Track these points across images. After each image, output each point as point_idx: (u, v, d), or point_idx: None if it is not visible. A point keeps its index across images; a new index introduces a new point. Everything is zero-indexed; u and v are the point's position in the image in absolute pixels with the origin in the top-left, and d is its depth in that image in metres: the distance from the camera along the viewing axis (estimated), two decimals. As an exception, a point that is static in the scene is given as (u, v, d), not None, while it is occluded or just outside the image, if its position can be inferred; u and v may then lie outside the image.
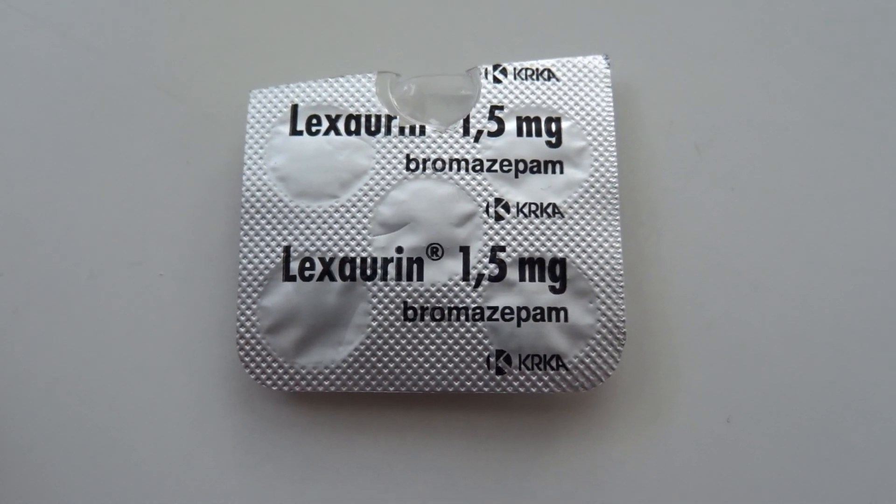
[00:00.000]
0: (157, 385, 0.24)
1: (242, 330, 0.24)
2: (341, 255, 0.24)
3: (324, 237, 0.24)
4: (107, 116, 0.26)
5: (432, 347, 0.23)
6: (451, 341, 0.23)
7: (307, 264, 0.24)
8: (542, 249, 0.24)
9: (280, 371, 0.23)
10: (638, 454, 0.24)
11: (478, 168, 0.24)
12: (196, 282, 0.25)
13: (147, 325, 0.25)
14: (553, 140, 0.25)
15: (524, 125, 0.25)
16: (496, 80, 0.25)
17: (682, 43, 0.27)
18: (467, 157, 0.24)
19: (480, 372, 0.23)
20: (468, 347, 0.23)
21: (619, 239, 0.24)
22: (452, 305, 0.23)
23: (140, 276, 0.25)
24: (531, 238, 0.24)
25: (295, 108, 0.25)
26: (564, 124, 0.25)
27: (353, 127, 0.25)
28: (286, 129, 0.25)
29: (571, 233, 0.24)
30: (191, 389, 0.24)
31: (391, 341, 0.23)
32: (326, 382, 0.23)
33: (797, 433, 0.24)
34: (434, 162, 0.24)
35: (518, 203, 0.24)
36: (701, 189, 0.26)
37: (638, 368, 0.24)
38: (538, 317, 0.23)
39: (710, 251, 0.25)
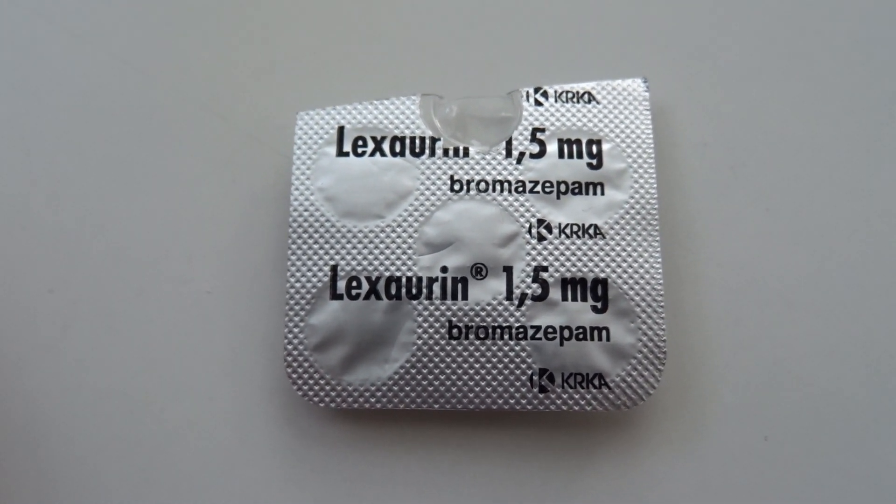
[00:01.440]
0: (203, 401, 0.25)
1: (290, 347, 0.24)
2: (387, 274, 0.24)
3: (370, 256, 0.24)
4: (156, 137, 0.27)
5: (476, 366, 0.24)
6: (494, 360, 0.24)
7: (354, 283, 0.24)
8: (584, 270, 0.24)
9: (327, 388, 0.24)
10: (677, 472, 0.24)
11: (520, 189, 0.25)
12: (243, 299, 0.26)
13: (194, 341, 0.25)
14: (594, 162, 0.25)
15: (565, 147, 0.25)
16: (537, 103, 0.26)
17: (716, 66, 0.27)
18: (510, 178, 0.25)
19: (524, 390, 0.24)
20: (511, 366, 0.24)
21: (659, 259, 0.24)
22: (496, 324, 0.24)
23: (188, 293, 0.26)
24: (573, 258, 0.24)
25: (341, 129, 0.26)
26: (605, 146, 0.25)
27: (398, 148, 0.25)
28: (333, 150, 0.25)
29: (612, 253, 0.24)
30: (237, 406, 0.25)
31: (436, 359, 0.24)
32: (372, 399, 0.24)
33: (834, 451, 0.24)
34: (478, 183, 0.25)
35: (560, 224, 0.24)
36: (736, 210, 0.26)
37: (677, 387, 0.25)
38: (580, 336, 0.24)
39: (745, 271, 0.26)
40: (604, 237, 0.24)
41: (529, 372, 0.24)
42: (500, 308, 0.24)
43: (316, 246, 0.25)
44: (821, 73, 0.27)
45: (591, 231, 0.25)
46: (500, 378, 0.24)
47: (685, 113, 0.27)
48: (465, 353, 0.24)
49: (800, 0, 0.28)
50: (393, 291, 0.24)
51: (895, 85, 0.27)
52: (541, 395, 0.24)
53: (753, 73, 0.27)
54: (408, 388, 0.24)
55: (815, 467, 0.24)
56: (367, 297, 0.24)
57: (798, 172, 0.26)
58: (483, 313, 0.24)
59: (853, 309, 0.25)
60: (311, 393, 0.24)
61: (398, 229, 0.25)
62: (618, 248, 0.24)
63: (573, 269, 0.24)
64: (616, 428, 0.25)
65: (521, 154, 0.25)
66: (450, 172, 0.25)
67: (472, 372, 0.24)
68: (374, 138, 0.25)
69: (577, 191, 0.25)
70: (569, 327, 0.24)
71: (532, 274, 0.24)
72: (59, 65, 0.28)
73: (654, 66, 0.27)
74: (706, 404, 0.25)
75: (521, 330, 0.24)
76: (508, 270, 0.24)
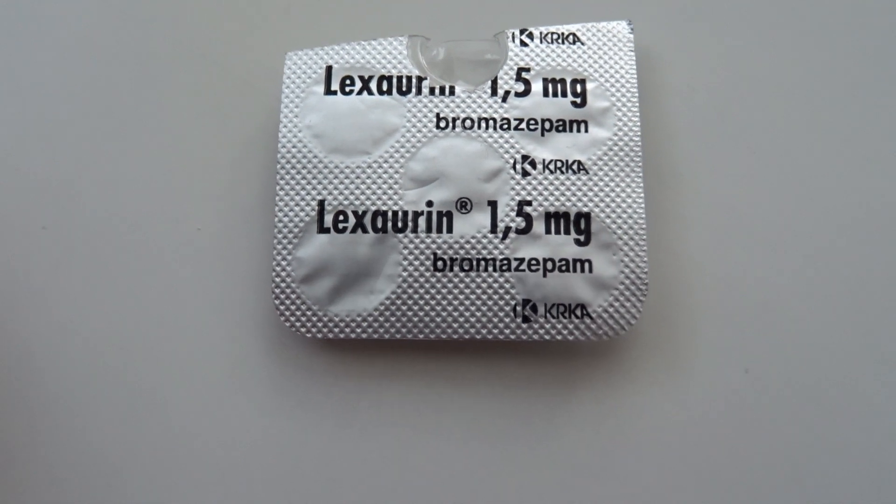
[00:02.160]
0: (194, 334, 0.25)
1: (278, 280, 0.25)
2: (373, 208, 0.25)
3: (357, 191, 0.25)
4: (149, 80, 0.27)
5: (461, 297, 0.24)
6: (478, 291, 0.24)
7: (341, 217, 0.25)
8: (568, 204, 0.25)
9: (314, 319, 0.24)
10: (659, 402, 0.24)
11: (505, 126, 0.25)
12: (233, 236, 0.26)
13: (185, 277, 0.26)
14: (578, 100, 0.25)
15: (550, 86, 0.26)
16: (523, 44, 0.26)
17: (701, 10, 0.28)
18: (495, 116, 0.25)
19: (507, 320, 0.24)
20: (495, 297, 0.24)
21: (642, 195, 0.25)
22: (480, 257, 0.24)
23: (179, 230, 0.26)
24: (557, 193, 0.25)
25: (329, 69, 0.26)
26: (589, 85, 0.26)
27: (385, 87, 0.26)
28: (321, 89, 0.26)
29: (596, 188, 0.25)
30: (228, 338, 0.25)
31: (421, 291, 0.24)
32: (358, 330, 0.24)
33: (813, 384, 0.24)
34: (463, 120, 0.25)
35: (544, 160, 0.25)
36: (721, 150, 0.26)
37: (660, 319, 0.25)
38: (563, 268, 0.24)
39: (729, 209, 0.26)
40: (587, 172, 0.25)
41: (513, 303, 0.24)
42: (485, 241, 0.24)
43: (304, 181, 0.25)
44: (805, 16, 0.28)
45: (574, 167, 0.25)
46: (484, 309, 0.24)
47: (670, 55, 0.27)
48: (450, 285, 0.24)
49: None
50: (379, 225, 0.24)
51: (881, 29, 0.27)
52: (524, 325, 0.24)
53: (739, 16, 0.28)
54: (393, 319, 0.24)
55: (794, 399, 0.24)
56: (353, 230, 0.24)
57: (782, 113, 0.27)
58: (468, 246, 0.24)
59: (834, 245, 0.25)
60: (298, 324, 0.24)
61: (384, 165, 0.25)
62: (601, 184, 0.25)
63: (556, 204, 0.25)
64: (598, 358, 0.25)
65: (507, 93, 0.26)
66: (436, 110, 0.25)
67: (456, 303, 0.24)
68: (361, 77, 0.26)
69: (561, 128, 0.25)
70: (552, 259, 0.24)
71: (516, 208, 0.24)
72: (54, 12, 0.28)
73: (641, 10, 0.27)
74: (688, 337, 0.25)
75: (505, 262, 0.24)
76: (493, 205, 0.25)
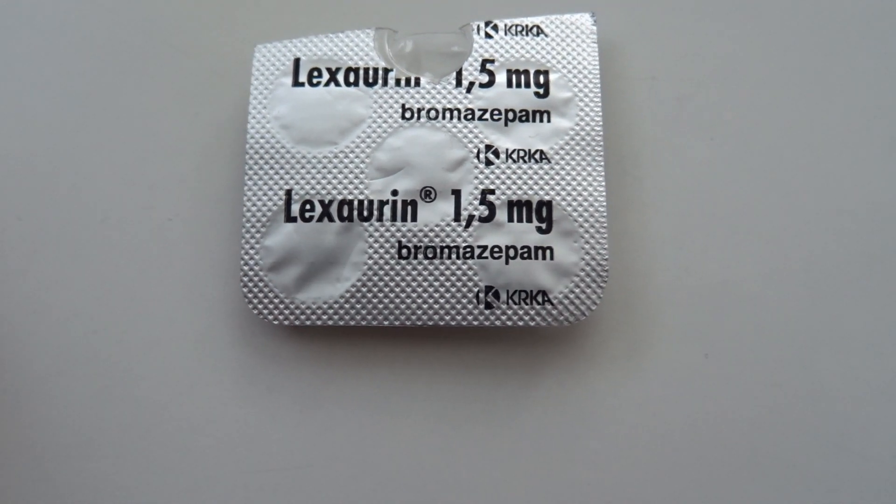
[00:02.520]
0: (164, 321, 0.26)
1: (246, 268, 0.25)
2: (340, 197, 0.25)
3: (323, 181, 0.25)
4: (119, 70, 0.28)
5: (425, 284, 0.25)
6: (442, 278, 0.25)
7: (307, 206, 0.25)
8: (530, 192, 0.25)
9: (281, 307, 0.25)
10: (620, 386, 0.25)
11: (469, 117, 0.26)
12: (202, 225, 0.27)
13: (156, 265, 0.26)
14: (541, 91, 0.26)
15: (514, 77, 0.26)
16: (488, 36, 0.27)
17: (663, 1, 0.28)
18: (459, 106, 0.26)
19: (470, 307, 0.24)
20: (459, 284, 0.24)
21: (603, 183, 0.25)
22: (444, 244, 0.25)
23: (150, 219, 0.27)
24: (519, 182, 0.25)
25: (297, 61, 0.26)
26: (552, 76, 0.26)
27: (351, 79, 0.26)
28: (289, 80, 0.26)
29: (557, 177, 0.25)
30: (197, 325, 0.26)
31: (386, 278, 0.25)
32: (325, 317, 0.25)
33: (771, 368, 0.25)
34: (428, 111, 0.26)
35: (507, 149, 0.25)
36: (682, 139, 0.27)
37: (621, 305, 0.26)
38: (525, 255, 0.25)
39: (690, 197, 0.26)
40: (549, 162, 0.25)
41: (476, 290, 0.24)
42: (448, 229, 0.25)
43: (272, 171, 0.25)
44: (763, 9, 0.28)
45: (536, 156, 0.25)
46: (448, 296, 0.24)
47: (634, 47, 0.28)
48: (414, 273, 0.25)
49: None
50: (345, 214, 0.25)
51: (834, 21, 0.28)
52: (486, 312, 0.24)
53: (699, 7, 0.28)
54: (359, 306, 0.25)
55: (753, 383, 0.25)
56: (319, 219, 0.25)
57: (741, 103, 0.27)
58: (432, 234, 0.25)
59: (792, 232, 0.26)
60: (265, 311, 0.25)
61: (350, 155, 0.25)
62: (562, 173, 0.25)
63: (519, 192, 0.25)
64: (560, 343, 0.25)
65: (471, 83, 0.26)
66: (401, 101, 0.26)
67: (420, 290, 0.25)
68: (328, 69, 0.26)
69: (524, 118, 0.26)
70: (514, 247, 0.25)
71: (479, 196, 0.25)
72: (25, 3, 0.29)
73: (604, 3, 0.28)
74: (649, 322, 0.25)
75: (469, 249, 0.25)
76: (457, 193, 0.25)
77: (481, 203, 0.25)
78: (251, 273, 0.25)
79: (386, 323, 0.25)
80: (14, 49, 0.28)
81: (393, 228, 0.25)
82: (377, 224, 0.25)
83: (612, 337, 0.25)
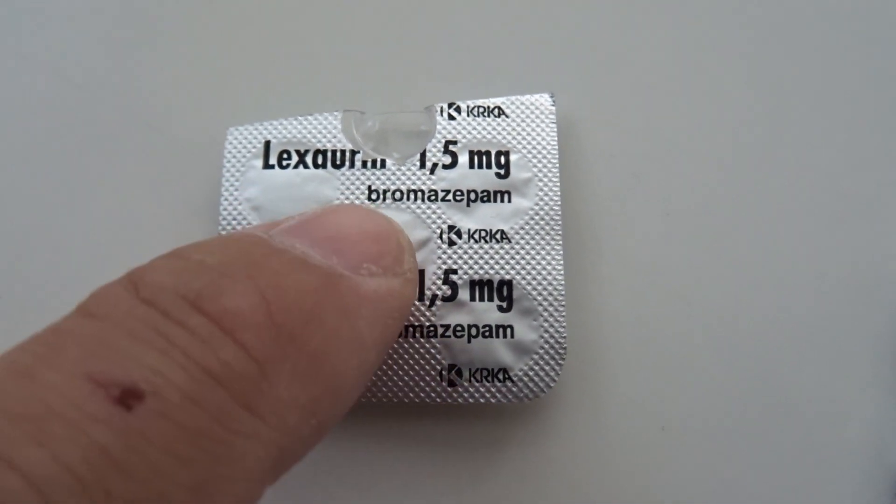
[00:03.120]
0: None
1: (218, 347, 0.26)
2: (308, 277, 0.26)
3: (292, 262, 0.26)
4: (92, 150, 0.29)
5: (389, 362, 0.25)
6: (406, 356, 0.25)
7: (277, 286, 0.26)
8: (491, 272, 0.26)
9: (252, 384, 0.26)
10: (579, 459, 0.26)
11: (433, 198, 0.27)
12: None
13: None
14: (502, 172, 0.27)
15: (476, 158, 0.27)
16: (451, 117, 0.28)
17: (621, 81, 0.29)
18: (423, 188, 0.27)
19: (433, 384, 0.25)
20: (422, 362, 0.25)
21: (562, 262, 0.26)
22: (409, 324, 0.26)
23: None
24: (481, 262, 0.26)
25: (268, 143, 0.27)
26: (513, 157, 0.27)
27: (320, 161, 0.27)
28: (259, 163, 0.27)
29: (518, 256, 0.26)
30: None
31: (353, 356, 0.25)
32: (294, 394, 0.26)
33: (726, 438, 0.26)
34: (393, 192, 0.27)
35: (469, 230, 0.26)
36: (638, 214, 0.28)
37: (579, 380, 0.26)
38: (486, 333, 0.25)
39: (646, 271, 0.27)
40: (510, 241, 0.26)
41: (439, 367, 0.25)
42: (412, 309, 0.26)
43: (242, 252, 0.26)
44: (713, 90, 0.29)
45: (497, 236, 0.26)
46: (412, 373, 0.25)
47: (591, 125, 0.29)
48: (380, 351, 0.25)
49: (692, 22, 0.30)
50: (313, 294, 0.26)
51: (781, 104, 0.29)
52: (449, 389, 0.25)
53: (653, 88, 0.29)
54: (326, 384, 0.25)
55: (708, 454, 0.26)
56: (289, 299, 0.26)
57: (695, 179, 0.28)
58: (396, 313, 0.26)
59: (744, 306, 0.27)
60: (236, 389, 0.26)
61: (319, 236, 0.26)
62: (522, 252, 0.26)
63: (481, 272, 0.26)
64: (521, 419, 0.26)
65: (434, 165, 0.27)
66: (367, 183, 0.27)
67: (385, 367, 0.25)
68: (297, 151, 0.27)
69: (485, 199, 0.27)
70: (476, 325, 0.26)
71: (443, 276, 0.26)
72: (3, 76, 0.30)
73: (563, 84, 0.29)
74: (606, 396, 0.26)
75: (432, 329, 0.26)
76: (421, 273, 0.26)
77: (444, 283, 0.26)
78: (222, 352, 0.26)
79: (352, 404, 0.25)
80: (-6, 129, 0.29)
81: (359, 308, 0.26)
82: (344, 304, 0.26)
83: (571, 410, 0.26)
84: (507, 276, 0.26)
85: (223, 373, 0.15)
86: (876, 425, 0.26)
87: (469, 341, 0.25)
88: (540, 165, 0.27)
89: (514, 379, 0.25)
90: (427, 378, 0.25)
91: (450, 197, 0.27)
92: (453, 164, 0.27)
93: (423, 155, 0.27)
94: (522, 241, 0.26)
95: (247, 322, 0.16)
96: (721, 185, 0.28)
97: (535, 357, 0.25)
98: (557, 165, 0.27)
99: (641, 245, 0.28)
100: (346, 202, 0.26)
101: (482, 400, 0.25)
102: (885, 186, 0.28)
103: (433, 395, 0.25)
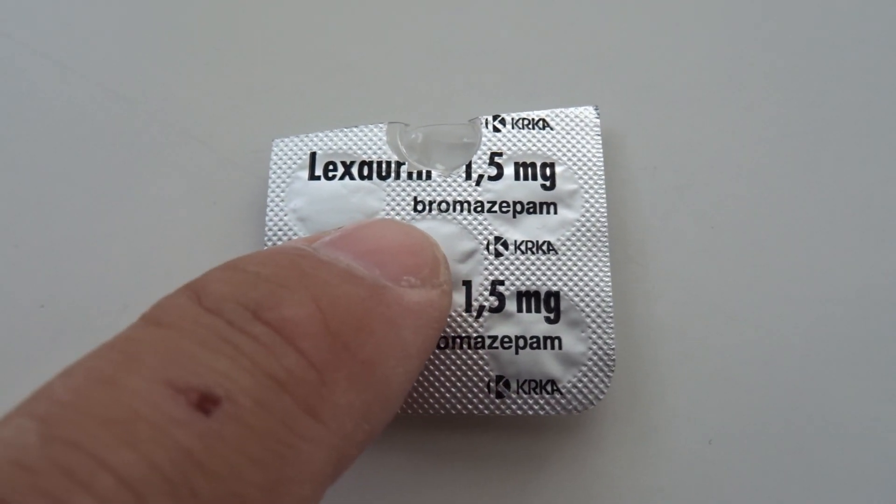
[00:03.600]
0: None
1: (264, 357, 0.26)
2: (355, 288, 0.26)
3: (339, 272, 0.26)
4: (140, 161, 0.29)
5: (437, 373, 0.25)
6: (454, 367, 0.25)
7: (323, 297, 0.26)
8: (538, 283, 0.26)
9: (298, 395, 0.26)
10: (626, 473, 0.26)
11: (479, 209, 0.27)
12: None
13: None
14: (548, 183, 0.27)
15: (521, 170, 0.27)
16: (496, 130, 0.28)
17: (663, 95, 0.29)
18: (469, 199, 0.27)
19: (481, 396, 0.25)
20: (470, 373, 0.25)
21: (609, 273, 0.26)
22: (456, 335, 0.25)
23: None
24: (528, 273, 0.26)
25: (313, 155, 0.27)
26: (558, 169, 0.27)
27: (365, 172, 0.27)
28: (305, 174, 0.27)
29: (564, 268, 0.26)
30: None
31: (400, 367, 0.25)
32: (340, 405, 0.25)
33: (772, 453, 0.26)
34: (439, 204, 0.27)
35: (516, 241, 0.26)
36: (683, 228, 0.28)
37: (627, 392, 0.26)
38: (534, 345, 0.25)
39: (690, 285, 0.27)
40: (556, 253, 0.26)
41: (487, 379, 0.25)
42: (460, 320, 0.26)
43: (289, 263, 0.26)
44: (755, 102, 0.29)
45: (544, 247, 0.26)
46: (459, 385, 0.25)
47: (636, 138, 0.29)
48: (427, 362, 0.25)
49: (734, 38, 0.30)
50: (360, 304, 0.26)
51: (824, 112, 0.29)
52: (497, 401, 0.25)
53: (697, 101, 0.29)
54: (373, 395, 0.25)
55: (755, 468, 0.26)
56: (335, 309, 0.26)
57: (739, 193, 0.28)
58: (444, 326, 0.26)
59: (789, 320, 0.27)
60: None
61: (365, 247, 0.26)
62: (569, 263, 0.26)
63: (528, 283, 0.26)
64: (568, 431, 0.26)
65: (480, 177, 0.27)
66: (413, 194, 0.27)
67: (432, 379, 0.25)
68: (343, 163, 0.27)
69: (531, 210, 0.27)
70: (523, 337, 0.25)
71: (490, 287, 0.26)
72: (45, 92, 0.30)
73: (607, 97, 0.29)
74: (652, 410, 0.26)
75: (479, 340, 0.25)
76: (467, 284, 0.26)
77: (491, 294, 0.26)
78: (269, 362, 0.26)
79: (398, 411, 0.25)
80: (33, 138, 0.29)
81: (406, 319, 0.26)
82: (391, 314, 0.26)
83: (619, 423, 0.26)
84: (555, 288, 0.26)
85: (287, 379, 0.16)
86: None
87: (517, 353, 0.25)
88: (586, 177, 0.27)
89: (563, 391, 0.25)
90: (475, 390, 0.25)
91: (496, 208, 0.27)
92: (499, 176, 0.27)
93: (468, 166, 0.27)
94: (569, 253, 0.26)
95: (305, 330, 0.17)
96: (762, 199, 0.28)
97: (584, 369, 0.25)
98: (603, 177, 0.27)
99: (685, 259, 0.28)
100: (384, 216, 0.26)
101: (530, 412, 0.25)
102: None
103: (481, 406, 0.25)
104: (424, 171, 0.27)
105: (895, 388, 0.26)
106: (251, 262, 0.19)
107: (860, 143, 0.29)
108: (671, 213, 0.28)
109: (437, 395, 0.25)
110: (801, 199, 0.28)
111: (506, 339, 0.25)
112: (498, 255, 0.26)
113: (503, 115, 0.28)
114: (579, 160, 0.27)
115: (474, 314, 0.26)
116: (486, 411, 0.25)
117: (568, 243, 0.26)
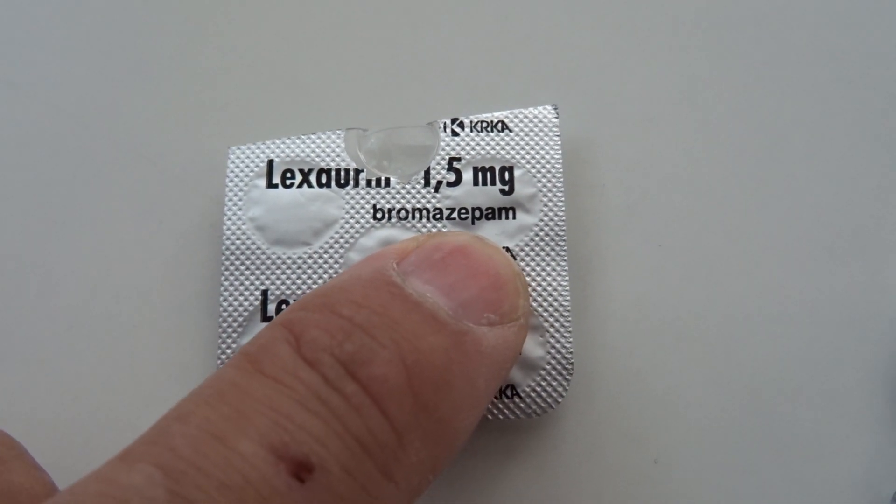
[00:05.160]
0: (131, 430, 0.27)
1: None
2: (315, 297, 0.26)
3: (298, 281, 0.26)
4: (87, 178, 0.29)
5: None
6: (415, 375, 0.26)
7: (283, 306, 0.26)
8: (497, 289, 0.26)
9: (261, 405, 0.26)
10: (575, 487, 0.26)
11: (438, 216, 0.27)
12: (170, 332, 0.27)
13: (122, 373, 0.27)
14: (506, 188, 0.27)
15: (480, 175, 0.27)
16: (454, 133, 0.28)
17: (619, 109, 0.29)
18: (428, 206, 0.27)
19: (442, 402, 0.26)
20: (431, 380, 0.26)
21: (567, 278, 0.26)
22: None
23: (114, 328, 0.27)
24: (487, 279, 0.26)
25: (271, 163, 0.27)
26: (517, 172, 0.27)
27: (324, 180, 0.27)
28: (263, 182, 0.27)
29: (523, 273, 0.26)
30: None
31: (361, 376, 0.26)
32: (303, 414, 0.26)
33: (718, 475, 0.26)
34: (398, 211, 0.27)
35: (475, 247, 0.26)
36: (631, 246, 0.28)
37: (577, 406, 0.27)
38: (494, 351, 0.26)
39: (639, 302, 0.28)
40: (515, 258, 0.26)
41: (447, 385, 0.26)
42: (420, 327, 0.26)
43: (248, 272, 0.26)
44: (709, 121, 0.29)
45: (503, 253, 0.26)
46: (421, 392, 0.26)
47: (593, 137, 0.29)
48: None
49: (690, 57, 0.30)
50: (320, 314, 0.26)
51: (774, 139, 0.29)
52: (458, 407, 0.26)
53: (651, 118, 0.29)
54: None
55: (699, 488, 0.26)
56: (296, 319, 0.26)
57: (690, 210, 0.29)
58: (404, 332, 0.26)
59: (736, 339, 0.27)
60: (245, 410, 0.26)
61: (325, 255, 0.26)
62: (527, 269, 0.26)
63: (487, 289, 0.26)
64: (528, 431, 0.27)
65: (439, 183, 0.27)
66: (372, 202, 0.27)
67: (394, 387, 0.26)
68: (301, 171, 0.27)
69: (490, 216, 0.27)
70: (483, 343, 0.26)
71: (449, 294, 0.26)
72: None
73: (565, 97, 0.29)
74: (601, 428, 0.27)
75: (440, 346, 0.26)
76: (427, 291, 0.26)
77: (451, 301, 0.26)
78: (230, 373, 0.26)
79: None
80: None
81: (366, 327, 0.26)
82: (351, 323, 0.26)
83: (573, 432, 0.27)
84: (514, 294, 0.26)
85: (370, 442, 0.17)
86: (870, 459, 0.26)
87: (476, 359, 0.26)
88: (544, 181, 0.27)
89: (522, 395, 0.26)
90: (435, 396, 0.26)
91: (455, 215, 0.27)
92: (458, 182, 0.27)
93: (427, 172, 0.27)
94: (528, 259, 0.26)
95: (391, 391, 0.18)
96: (714, 217, 0.28)
97: (543, 373, 0.26)
98: (562, 180, 0.27)
99: (635, 276, 0.28)
100: (466, 234, 0.25)
101: (489, 417, 0.25)
102: (881, 223, 0.28)
103: (442, 412, 0.25)
104: (383, 179, 0.27)
105: (846, 407, 0.27)
106: (346, 301, 0.20)
107: (811, 164, 0.29)
108: (620, 231, 0.28)
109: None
110: (755, 220, 0.28)
111: (466, 346, 0.26)
112: (457, 261, 0.26)
113: (461, 119, 0.28)
114: (538, 162, 0.27)
115: (434, 321, 0.26)
116: (447, 417, 0.26)
117: (527, 248, 0.27)
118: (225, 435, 0.16)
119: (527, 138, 0.28)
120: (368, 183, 0.27)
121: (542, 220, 0.27)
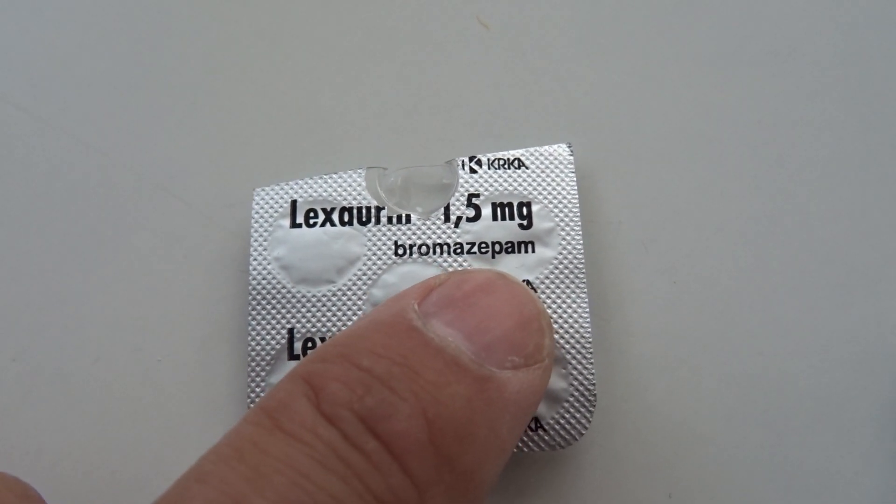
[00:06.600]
0: (159, 464, 0.27)
1: (253, 406, 0.26)
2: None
3: (323, 318, 0.27)
4: (114, 214, 0.29)
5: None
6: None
7: (309, 344, 0.26)
8: (519, 322, 0.27)
9: (288, 442, 0.26)
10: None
11: (458, 251, 0.27)
12: (204, 366, 0.28)
13: (147, 406, 0.27)
14: (525, 223, 0.28)
15: (498, 210, 0.28)
16: (472, 171, 0.28)
17: (633, 145, 0.30)
18: (449, 241, 0.27)
19: (468, 435, 0.26)
20: (456, 414, 0.26)
21: (588, 309, 0.27)
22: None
23: (141, 360, 0.28)
24: (508, 312, 0.27)
25: (294, 203, 0.28)
26: (534, 208, 0.28)
27: (346, 218, 0.28)
28: (287, 222, 0.28)
29: (547, 311, 0.27)
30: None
31: (387, 411, 0.26)
32: (330, 450, 0.26)
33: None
34: (419, 247, 0.27)
35: (495, 281, 0.27)
36: (647, 282, 0.29)
37: (599, 433, 0.27)
38: (517, 383, 0.26)
39: (656, 338, 0.28)
40: (535, 291, 0.27)
41: (472, 419, 0.26)
42: (444, 361, 0.26)
43: (274, 311, 0.27)
44: (723, 158, 0.30)
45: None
46: (446, 425, 0.26)
47: (608, 174, 0.30)
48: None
49: (707, 92, 0.31)
50: (345, 350, 0.26)
51: (788, 175, 0.30)
52: (483, 440, 0.26)
53: (665, 155, 0.30)
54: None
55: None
56: (321, 356, 0.26)
57: (706, 247, 0.29)
58: (428, 366, 0.26)
59: (751, 375, 0.28)
60: (273, 447, 0.26)
61: (348, 292, 0.27)
62: (548, 301, 0.27)
63: (509, 322, 0.27)
64: (549, 467, 0.27)
65: (459, 218, 0.28)
66: (394, 238, 0.28)
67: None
68: (324, 210, 0.28)
69: (510, 250, 0.27)
70: (506, 376, 0.26)
71: (472, 328, 0.26)
72: (21, 146, 0.30)
73: (578, 145, 0.30)
74: (617, 461, 0.27)
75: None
76: (450, 326, 0.27)
77: (474, 334, 0.26)
78: (258, 411, 0.26)
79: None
80: (8, 191, 0.30)
81: (391, 363, 0.26)
82: (376, 359, 0.26)
83: (592, 466, 0.27)
84: (535, 326, 0.26)
85: (391, 501, 0.17)
86: (881, 495, 0.26)
87: (500, 392, 0.26)
88: (562, 215, 0.28)
89: (546, 427, 0.26)
90: (461, 430, 0.26)
91: (475, 249, 0.27)
92: (477, 217, 0.28)
93: (446, 209, 0.28)
94: (548, 291, 0.27)
95: (412, 446, 0.18)
96: (729, 252, 0.29)
97: (566, 405, 0.26)
98: (579, 214, 0.28)
99: (651, 311, 0.28)
100: (489, 270, 0.26)
101: (514, 450, 0.26)
102: (888, 259, 0.29)
103: (467, 446, 0.26)
104: (404, 215, 0.28)
105: (854, 444, 0.27)
106: (365, 351, 0.19)
107: (825, 200, 0.29)
108: (636, 267, 0.29)
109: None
110: (765, 255, 0.29)
111: (489, 379, 0.26)
112: (479, 295, 0.27)
113: (479, 156, 0.29)
114: (555, 198, 0.28)
115: (458, 355, 0.26)
116: (472, 451, 0.26)
117: (546, 281, 0.27)
118: (244, 498, 0.16)
119: (543, 175, 0.28)
120: (390, 220, 0.28)
121: (560, 254, 0.27)
